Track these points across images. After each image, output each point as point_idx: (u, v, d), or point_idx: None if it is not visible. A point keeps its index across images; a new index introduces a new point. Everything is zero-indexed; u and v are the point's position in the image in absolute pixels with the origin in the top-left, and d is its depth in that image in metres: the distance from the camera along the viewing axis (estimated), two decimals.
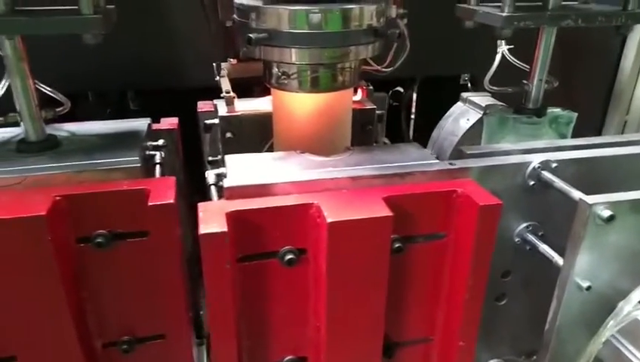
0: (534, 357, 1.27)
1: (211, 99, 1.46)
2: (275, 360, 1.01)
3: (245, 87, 1.56)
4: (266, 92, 1.42)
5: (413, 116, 2.60)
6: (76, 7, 0.91)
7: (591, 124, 2.12)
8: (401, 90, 2.34)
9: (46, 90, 1.08)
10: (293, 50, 1.00)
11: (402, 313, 1.03)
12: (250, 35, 0.96)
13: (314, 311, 0.96)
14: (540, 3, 1.16)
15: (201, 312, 1.44)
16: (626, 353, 0.93)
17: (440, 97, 2.35)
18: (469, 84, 2.27)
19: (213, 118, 1.34)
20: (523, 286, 1.15)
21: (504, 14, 1.06)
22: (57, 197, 0.88)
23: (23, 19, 0.91)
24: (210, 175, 0.99)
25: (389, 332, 1.01)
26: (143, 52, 1.67)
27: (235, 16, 1.07)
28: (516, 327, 1.20)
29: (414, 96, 2.45)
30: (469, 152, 1.06)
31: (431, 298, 1.02)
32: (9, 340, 0.93)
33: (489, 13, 1.10)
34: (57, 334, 0.94)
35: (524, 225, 1.07)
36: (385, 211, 0.86)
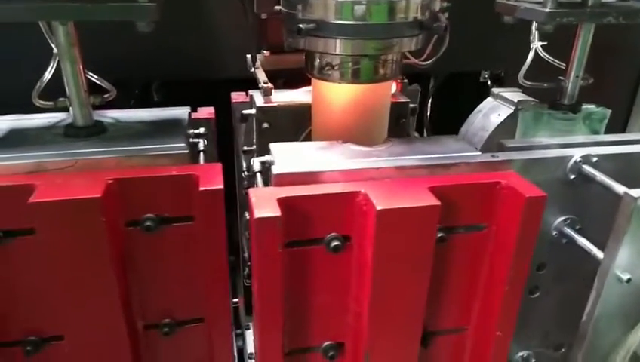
0: (563, 350, 1.28)
1: (234, 91, 1.48)
2: (315, 344, 1.02)
3: (271, 80, 1.58)
4: (289, 85, 1.43)
5: (429, 113, 2.60)
6: None
7: (616, 123, 2.12)
8: (419, 88, 2.34)
9: (92, 77, 1.10)
10: (337, 40, 1.01)
11: (440, 302, 1.04)
12: (300, 25, 0.97)
13: (355, 298, 0.98)
14: (579, 0, 1.17)
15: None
16: None
17: (456, 94, 2.36)
18: (489, 82, 2.27)
19: (248, 109, 1.36)
20: (556, 280, 1.16)
21: (547, 10, 1.07)
22: (110, 181, 0.90)
23: (78, 5, 0.92)
24: (256, 162, 1.01)
25: (425, 320, 1.03)
26: (174, 42, 1.68)
27: (280, 7, 1.08)
28: (547, 320, 1.21)
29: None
30: (510, 145, 1.07)
31: (470, 288, 1.04)
32: (58, 319, 0.96)
33: (531, 9, 1.10)
34: (105, 314, 0.96)
35: (562, 218, 1.08)
36: (433, 200, 0.87)
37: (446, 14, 1.12)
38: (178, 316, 1.06)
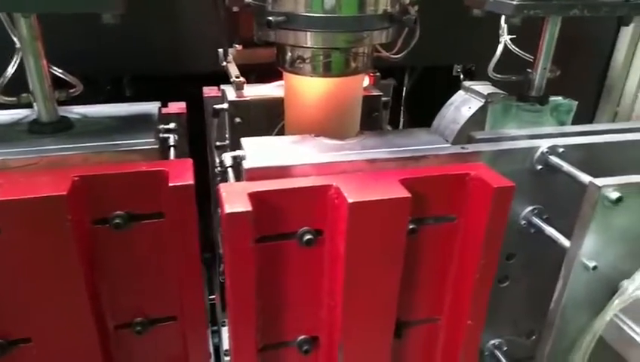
0: (534, 337, 1.31)
1: (209, 85, 1.46)
2: (289, 339, 1.02)
3: (244, 74, 1.56)
4: (261, 79, 1.42)
5: (402, 107, 2.62)
6: None
7: (583, 114, 2.17)
8: (394, 82, 2.35)
9: (57, 71, 1.07)
10: (308, 33, 1.01)
11: (412, 293, 1.05)
12: (269, 17, 0.96)
13: (328, 291, 0.98)
14: None
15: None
16: (629, 331, 0.97)
17: (431, 87, 2.38)
18: (462, 75, 2.30)
19: (220, 103, 1.34)
20: (525, 269, 1.19)
21: (515, 3, 1.09)
22: (76, 178, 0.88)
23: None
24: (227, 157, 1.00)
25: (399, 312, 1.04)
26: (144, 36, 1.65)
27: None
28: (517, 308, 1.24)
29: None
30: (478, 137, 1.08)
31: (441, 278, 1.05)
32: (25, 321, 0.93)
33: (499, 2, 1.12)
34: (73, 315, 0.94)
35: (530, 208, 1.10)
36: (403, 192, 0.88)
37: (416, 7, 1.13)
38: (151, 314, 1.05)
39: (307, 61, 1.05)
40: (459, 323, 1.08)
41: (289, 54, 1.08)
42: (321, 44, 1.02)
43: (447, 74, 2.29)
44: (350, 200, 0.85)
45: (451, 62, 2.09)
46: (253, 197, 0.85)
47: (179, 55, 1.68)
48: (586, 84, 2.16)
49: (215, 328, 1.82)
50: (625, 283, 0.98)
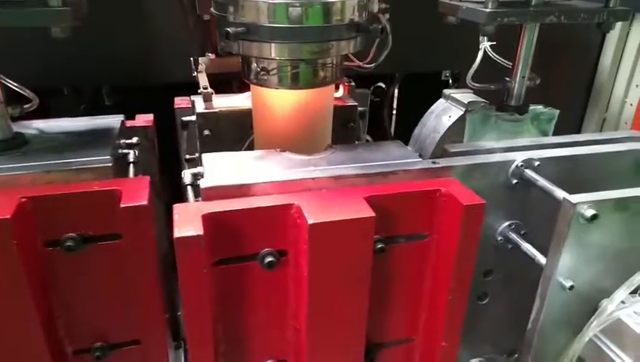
0: (515, 356, 1.27)
1: (189, 95, 1.42)
2: None
3: (224, 83, 1.52)
4: (244, 87, 1.38)
5: (394, 112, 2.59)
6: None
7: (570, 121, 2.13)
8: (383, 85, 2.33)
9: (12, 85, 1.02)
10: (272, 45, 0.97)
11: (384, 314, 1.01)
12: (228, 29, 0.92)
13: (294, 313, 0.94)
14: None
15: (179, 313, 1.40)
16: (609, 352, 0.93)
17: (421, 93, 2.35)
18: (451, 80, 2.26)
19: (190, 115, 1.30)
20: (505, 285, 1.15)
21: (487, 10, 1.05)
22: (23, 199, 0.84)
23: None
24: (187, 174, 0.95)
25: (370, 333, 0.99)
26: (118, 46, 1.62)
27: (212, 9, 1.03)
28: (498, 326, 1.20)
29: (396, 91, 2.44)
30: (452, 150, 1.04)
31: (413, 298, 1.01)
32: None
33: (472, 10, 1.08)
34: (25, 341, 0.89)
35: (507, 223, 1.06)
36: (367, 211, 0.84)
37: (387, 15, 1.09)
38: (111, 339, 1.00)
39: (272, 73, 1.01)
40: (433, 343, 1.04)
41: (253, 65, 1.03)
42: (285, 55, 0.98)
43: (435, 79, 2.26)
44: (310, 221, 0.81)
45: (434, 69, 2.06)
46: (209, 218, 0.81)
47: (152, 65, 1.64)
48: (572, 91, 2.12)
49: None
50: (604, 302, 0.94)
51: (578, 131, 2.15)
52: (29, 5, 0.87)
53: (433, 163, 0.98)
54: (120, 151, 1.04)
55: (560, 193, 0.91)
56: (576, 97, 2.14)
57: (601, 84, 2.05)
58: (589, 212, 0.85)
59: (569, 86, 2.06)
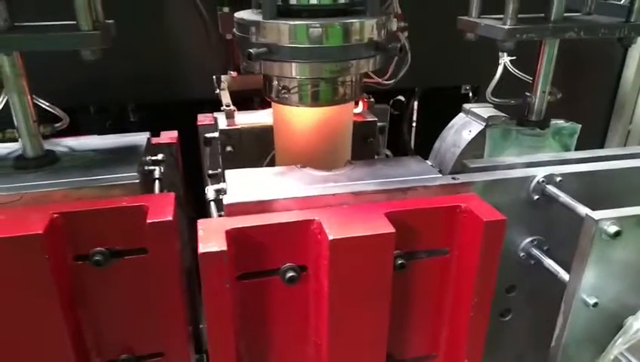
0: None
1: (214, 111, 1.46)
2: None
3: (246, 99, 1.56)
4: (266, 104, 1.41)
5: (414, 125, 2.60)
6: (75, 23, 0.90)
7: (594, 135, 2.11)
8: (403, 99, 2.34)
9: (44, 105, 1.07)
10: (293, 64, 0.99)
11: (405, 330, 1.01)
12: (250, 50, 0.95)
13: (315, 328, 0.95)
14: (543, 14, 1.15)
15: (201, 326, 1.42)
16: None
17: (441, 107, 2.36)
18: (471, 94, 2.26)
19: (213, 132, 1.33)
20: (528, 302, 1.13)
21: (506, 27, 1.05)
22: (55, 215, 0.87)
23: (21, 36, 0.90)
24: (210, 190, 0.98)
25: (391, 349, 0.99)
26: (143, 65, 1.67)
27: (235, 30, 1.06)
28: (521, 343, 1.18)
29: (415, 105, 2.45)
30: (472, 166, 1.04)
31: (435, 314, 1.01)
32: (6, 360, 0.92)
33: (490, 26, 1.09)
34: (54, 353, 0.92)
35: (529, 239, 1.05)
36: (387, 228, 0.84)
37: (406, 33, 1.10)
38: (137, 351, 1.03)
39: (292, 91, 1.04)
40: (456, 359, 1.03)
41: (275, 84, 1.06)
42: (306, 74, 1.00)
43: (455, 93, 2.26)
44: (331, 237, 0.82)
45: (454, 84, 2.06)
46: (232, 234, 0.83)
47: (176, 83, 1.69)
48: (596, 104, 2.10)
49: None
50: (630, 319, 0.92)
51: (602, 144, 2.12)
52: (62, 30, 0.91)
53: (453, 178, 0.98)
54: (146, 167, 1.07)
55: (582, 209, 0.90)
56: (599, 110, 2.12)
57: (624, 96, 2.03)
58: (612, 228, 0.84)
59: (592, 99, 2.04)
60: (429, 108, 2.46)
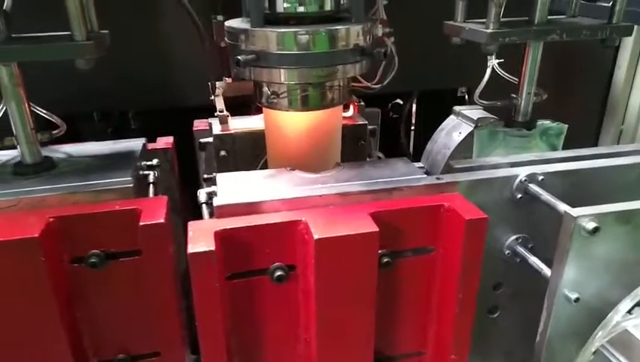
0: None
1: (211, 117, 1.49)
2: None
3: (242, 105, 1.59)
4: (261, 108, 1.44)
5: (413, 128, 2.63)
6: (70, 33, 0.94)
7: (587, 134, 2.13)
8: (401, 102, 2.37)
9: (42, 113, 1.10)
10: (281, 70, 1.03)
11: (393, 327, 1.03)
12: (239, 56, 0.98)
13: (304, 326, 0.97)
14: (527, 18, 1.18)
15: None
16: None
17: (439, 109, 2.38)
18: (467, 97, 2.29)
19: (208, 137, 1.36)
20: (515, 299, 1.15)
21: (488, 31, 1.08)
22: (51, 219, 0.90)
23: (18, 47, 0.94)
24: (202, 193, 1.01)
25: (380, 346, 1.02)
26: (140, 72, 1.71)
27: (225, 38, 1.10)
28: (509, 339, 1.20)
29: (414, 108, 2.49)
30: (456, 166, 1.07)
31: (421, 312, 1.03)
32: (4, 360, 0.95)
33: (474, 30, 1.12)
34: (51, 355, 0.95)
35: (514, 237, 1.07)
36: (371, 227, 0.87)
37: (391, 39, 1.13)
38: (133, 351, 1.05)
39: (282, 96, 1.07)
40: (443, 357, 1.05)
41: (264, 90, 1.09)
42: (294, 80, 1.03)
43: (453, 95, 2.29)
44: (317, 237, 0.85)
45: (445, 86, 2.09)
46: (220, 235, 0.86)
47: (174, 90, 1.72)
48: (588, 104, 2.11)
49: None
50: (610, 313, 0.94)
51: (595, 145, 2.14)
52: (57, 40, 0.94)
53: (437, 179, 1.01)
54: (141, 172, 1.11)
55: (562, 206, 0.92)
56: (592, 110, 2.13)
57: (616, 96, 2.05)
58: (591, 225, 0.86)
59: (584, 99, 2.06)
60: (427, 111, 2.48)
